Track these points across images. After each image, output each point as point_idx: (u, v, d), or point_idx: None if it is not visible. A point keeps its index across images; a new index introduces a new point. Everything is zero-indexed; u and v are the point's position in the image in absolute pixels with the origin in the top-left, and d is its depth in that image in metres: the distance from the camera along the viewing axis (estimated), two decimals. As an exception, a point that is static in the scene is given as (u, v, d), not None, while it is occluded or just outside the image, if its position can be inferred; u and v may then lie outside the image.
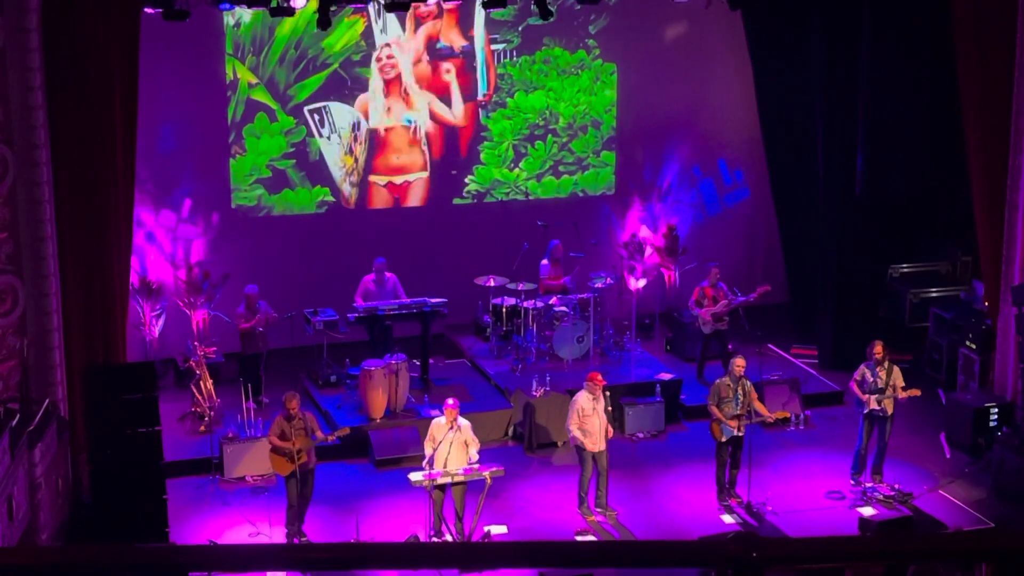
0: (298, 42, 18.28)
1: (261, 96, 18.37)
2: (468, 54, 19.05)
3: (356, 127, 18.84)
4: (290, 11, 15.55)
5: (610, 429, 14.62)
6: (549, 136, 19.63)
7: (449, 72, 19.01)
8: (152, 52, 15.57)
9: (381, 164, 19.06)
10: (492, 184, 19.54)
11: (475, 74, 19.15)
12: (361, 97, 18.71)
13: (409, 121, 18.95)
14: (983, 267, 17.08)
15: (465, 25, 18.96)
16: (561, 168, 19.78)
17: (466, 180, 19.45)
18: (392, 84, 18.79)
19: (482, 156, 19.44)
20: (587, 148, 19.81)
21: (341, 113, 18.71)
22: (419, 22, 18.69)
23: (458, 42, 18.98)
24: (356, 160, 18.97)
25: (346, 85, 18.64)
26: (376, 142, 18.91)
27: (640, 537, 14.15)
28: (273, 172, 18.64)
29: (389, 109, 18.83)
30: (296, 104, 18.48)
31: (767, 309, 18.03)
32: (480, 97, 19.24)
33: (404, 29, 18.66)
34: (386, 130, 18.91)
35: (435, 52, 18.89)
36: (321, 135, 18.71)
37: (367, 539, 13.77)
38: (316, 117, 18.66)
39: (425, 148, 19.12)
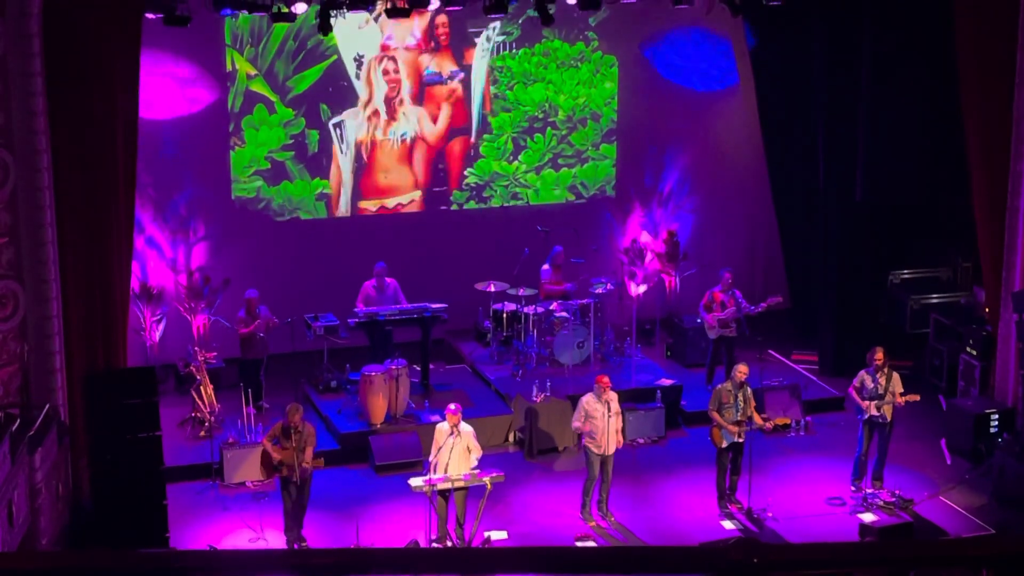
0: (297, 33, 18.26)
1: (260, 87, 18.35)
2: (462, 81, 18.99)
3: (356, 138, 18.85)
4: (291, 17, 15.56)
5: (620, 439, 14.66)
6: (548, 129, 19.60)
7: (441, 101, 18.96)
8: (151, 44, 15.55)
9: (369, 186, 18.97)
10: (491, 177, 19.52)
11: (468, 105, 19.08)
12: (350, 110, 18.67)
13: (392, 134, 18.90)
14: (984, 273, 17.08)
15: (458, 54, 18.91)
16: (560, 161, 19.76)
17: (465, 173, 19.43)
18: (388, 98, 18.76)
19: (481, 149, 19.42)
20: (586, 141, 19.78)
21: (351, 127, 18.70)
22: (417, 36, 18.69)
23: (448, 68, 18.92)
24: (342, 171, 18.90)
25: (345, 78, 18.62)
26: (363, 159, 18.81)
27: (640, 542, 14.15)
28: (272, 164, 18.61)
29: (370, 119, 18.72)
30: (295, 96, 18.43)
31: (768, 315, 18.02)
32: (472, 136, 19.19)
33: (399, 38, 18.64)
34: (374, 144, 18.83)
35: (425, 79, 18.82)
36: (343, 152, 18.70)
37: (367, 544, 13.76)
38: (338, 132, 18.65)
39: (417, 166, 19.06)
